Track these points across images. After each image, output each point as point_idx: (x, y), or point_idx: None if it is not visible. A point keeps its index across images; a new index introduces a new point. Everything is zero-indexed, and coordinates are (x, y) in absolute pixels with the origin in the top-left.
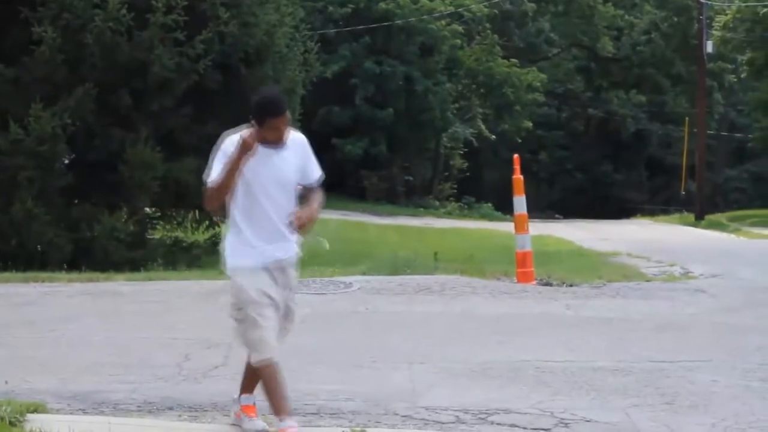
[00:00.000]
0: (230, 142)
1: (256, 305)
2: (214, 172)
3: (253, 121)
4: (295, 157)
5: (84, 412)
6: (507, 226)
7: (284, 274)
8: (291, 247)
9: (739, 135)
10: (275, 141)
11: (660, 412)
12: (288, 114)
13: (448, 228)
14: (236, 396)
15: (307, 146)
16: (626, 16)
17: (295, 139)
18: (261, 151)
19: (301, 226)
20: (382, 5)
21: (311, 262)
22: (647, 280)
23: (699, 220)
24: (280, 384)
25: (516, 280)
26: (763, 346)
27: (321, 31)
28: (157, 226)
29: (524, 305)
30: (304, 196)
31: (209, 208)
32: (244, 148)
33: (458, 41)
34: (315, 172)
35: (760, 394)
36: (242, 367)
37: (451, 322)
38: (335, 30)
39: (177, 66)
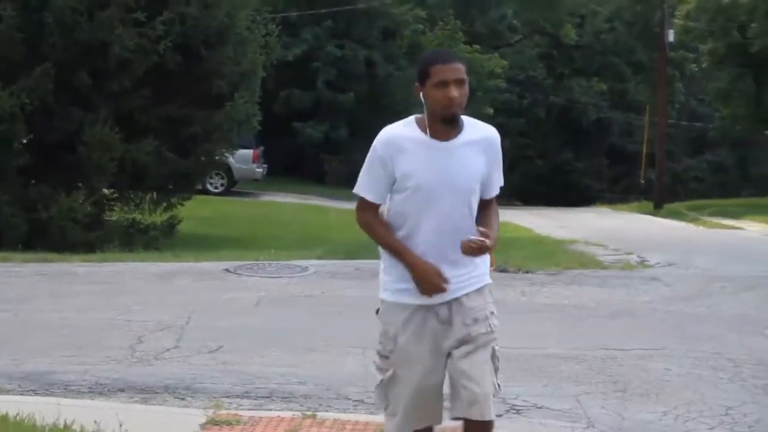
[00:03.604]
0: (380, 144)
1: (400, 357)
2: (364, 188)
3: (417, 88)
4: (482, 158)
5: (35, 393)
6: None
7: (460, 308)
8: (464, 278)
9: (699, 124)
10: (445, 110)
11: (612, 399)
12: (464, 70)
13: None
14: None
15: (499, 146)
16: (589, 5)
17: (485, 133)
18: (428, 143)
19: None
20: None
21: (268, 245)
22: (603, 268)
23: (658, 209)
24: None
25: None
26: (716, 335)
27: (283, 14)
28: (115, 208)
29: None
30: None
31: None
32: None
33: (421, 26)
34: (498, 184)
35: (711, 382)
36: (196, 349)
37: None
38: (297, 13)
39: (137, 47)
